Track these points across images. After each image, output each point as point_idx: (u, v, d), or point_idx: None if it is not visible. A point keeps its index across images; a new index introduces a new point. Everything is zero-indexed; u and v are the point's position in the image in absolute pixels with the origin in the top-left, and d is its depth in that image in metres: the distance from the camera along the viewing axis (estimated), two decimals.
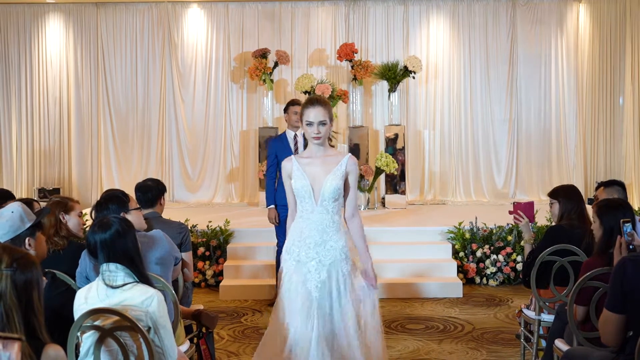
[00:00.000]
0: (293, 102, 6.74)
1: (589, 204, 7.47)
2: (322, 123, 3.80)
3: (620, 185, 4.86)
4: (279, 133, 10.08)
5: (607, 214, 3.77)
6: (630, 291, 2.99)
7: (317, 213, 3.79)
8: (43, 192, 10.49)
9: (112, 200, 3.98)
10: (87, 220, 7.65)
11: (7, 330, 2.35)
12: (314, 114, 3.79)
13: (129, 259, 3.19)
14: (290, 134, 6.67)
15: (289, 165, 3.89)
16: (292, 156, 3.93)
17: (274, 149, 6.59)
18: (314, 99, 3.85)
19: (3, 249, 2.49)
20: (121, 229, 3.21)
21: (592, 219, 3.95)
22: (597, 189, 5.03)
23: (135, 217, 3.93)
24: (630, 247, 3.42)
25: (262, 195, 9.97)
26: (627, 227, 3.46)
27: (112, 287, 3.14)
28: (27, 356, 2.32)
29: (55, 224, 4.12)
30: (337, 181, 3.78)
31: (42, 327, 2.44)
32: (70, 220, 4.25)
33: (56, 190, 10.48)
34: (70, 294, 3.46)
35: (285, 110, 6.76)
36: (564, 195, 4.70)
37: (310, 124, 3.80)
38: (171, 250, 4.01)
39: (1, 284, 2.38)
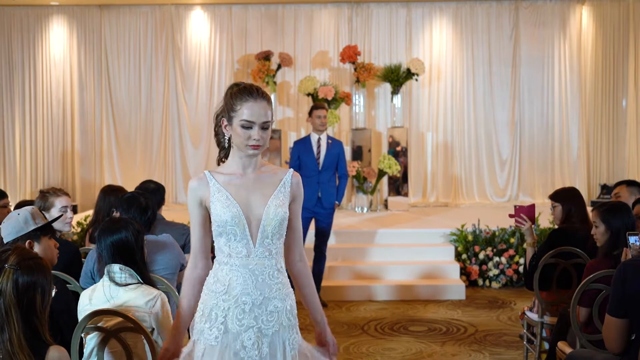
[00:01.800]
0: (317, 107, 7.00)
1: (591, 206, 7.45)
2: (266, 126, 2.59)
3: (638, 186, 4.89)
4: (277, 135, 10.18)
5: (613, 217, 3.79)
6: (632, 295, 2.99)
7: (255, 257, 2.59)
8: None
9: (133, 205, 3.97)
10: (88, 215, 7.67)
11: (6, 326, 2.37)
12: (257, 110, 2.56)
13: (134, 260, 3.22)
14: (314, 137, 6.92)
15: (200, 186, 2.63)
16: (205, 172, 2.67)
17: (297, 151, 6.92)
18: (254, 89, 2.60)
19: (15, 249, 2.54)
20: (132, 230, 3.24)
21: (593, 223, 3.94)
22: (617, 185, 5.03)
23: None
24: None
25: None
26: (633, 239, 3.46)
27: (119, 285, 3.15)
28: (25, 356, 2.34)
29: None
30: (283, 208, 2.62)
31: (45, 329, 2.46)
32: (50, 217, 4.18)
33: None
34: (67, 295, 3.45)
35: (310, 113, 6.97)
36: (566, 197, 4.71)
37: (249, 125, 2.56)
38: (179, 256, 4.04)
39: (3, 280, 2.41)
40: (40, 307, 2.45)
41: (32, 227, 3.30)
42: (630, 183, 4.94)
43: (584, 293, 3.73)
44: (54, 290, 2.57)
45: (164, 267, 3.88)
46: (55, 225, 4.04)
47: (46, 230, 3.38)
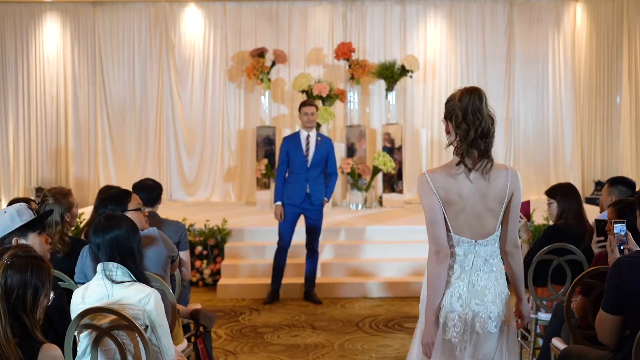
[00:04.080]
0: (304, 104, 6.97)
1: (586, 203, 7.44)
2: None
3: (625, 184, 4.77)
4: (272, 132, 10.17)
5: (630, 213, 3.70)
6: (627, 292, 2.97)
7: None
8: (40, 192, 10.46)
9: (110, 200, 3.97)
10: (82, 213, 7.66)
11: None
12: None
13: (131, 257, 3.20)
14: (303, 134, 6.87)
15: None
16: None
17: (285, 147, 6.87)
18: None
19: (17, 246, 2.58)
20: (129, 227, 3.22)
21: (609, 219, 3.89)
22: (604, 185, 4.99)
23: (134, 217, 3.91)
24: (621, 247, 3.39)
25: (260, 195, 10.02)
26: (618, 228, 3.42)
27: (113, 282, 3.13)
28: (12, 349, 2.35)
29: (61, 229, 4.02)
30: None
31: (36, 329, 2.45)
32: (72, 216, 4.21)
33: None
34: (59, 292, 3.43)
35: (299, 110, 6.93)
36: (562, 194, 4.70)
37: None
38: (167, 247, 4.01)
39: None
40: (30, 305, 2.45)
41: (18, 225, 3.30)
42: (613, 182, 4.82)
43: (585, 282, 3.70)
44: (52, 295, 2.57)
45: (153, 261, 3.86)
46: (71, 223, 4.16)
47: (35, 226, 3.36)
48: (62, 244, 3.98)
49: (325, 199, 6.87)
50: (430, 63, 10.80)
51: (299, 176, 6.73)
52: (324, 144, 6.89)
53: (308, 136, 6.84)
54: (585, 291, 3.73)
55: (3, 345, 2.36)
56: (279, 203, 6.75)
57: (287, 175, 6.82)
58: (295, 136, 6.93)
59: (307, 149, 6.80)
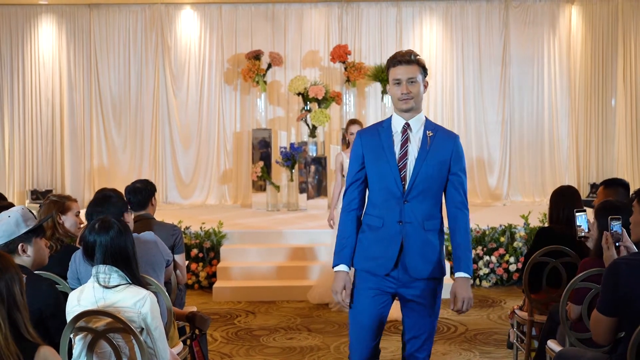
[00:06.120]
0: (396, 60, 3.62)
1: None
2: None
3: (623, 186, 4.83)
4: (268, 134, 10.13)
5: (603, 216, 3.73)
6: (624, 295, 2.96)
7: None
8: (36, 194, 10.46)
9: (108, 202, 3.95)
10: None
11: None
12: None
13: (125, 260, 3.19)
14: (397, 122, 3.43)
15: None
16: None
17: (360, 148, 3.39)
18: None
19: None
20: (121, 230, 3.21)
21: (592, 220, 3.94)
22: (599, 185, 5.03)
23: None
24: (617, 244, 3.41)
25: (256, 197, 10.01)
26: (614, 226, 3.45)
27: (107, 288, 3.13)
28: (13, 355, 2.33)
29: (51, 226, 4.03)
30: None
31: (28, 324, 2.43)
32: (67, 221, 4.21)
33: (49, 192, 10.44)
34: (58, 297, 3.43)
35: (387, 72, 3.63)
36: (553, 197, 4.75)
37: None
38: (162, 252, 4.01)
39: None
40: (20, 299, 2.43)
41: (24, 230, 3.25)
42: (608, 184, 4.88)
43: (577, 291, 3.72)
44: (24, 277, 2.56)
45: (148, 265, 3.85)
46: (70, 230, 4.20)
47: (37, 231, 3.34)
48: (53, 242, 3.98)
49: (464, 274, 3.47)
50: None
51: (386, 211, 3.27)
52: (443, 142, 3.37)
53: (406, 126, 3.38)
54: (577, 299, 3.73)
55: (6, 356, 2.32)
56: (343, 267, 3.41)
57: (361, 207, 3.41)
58: (381, 127, 3.43)
59: (405, 153, 3.28)
